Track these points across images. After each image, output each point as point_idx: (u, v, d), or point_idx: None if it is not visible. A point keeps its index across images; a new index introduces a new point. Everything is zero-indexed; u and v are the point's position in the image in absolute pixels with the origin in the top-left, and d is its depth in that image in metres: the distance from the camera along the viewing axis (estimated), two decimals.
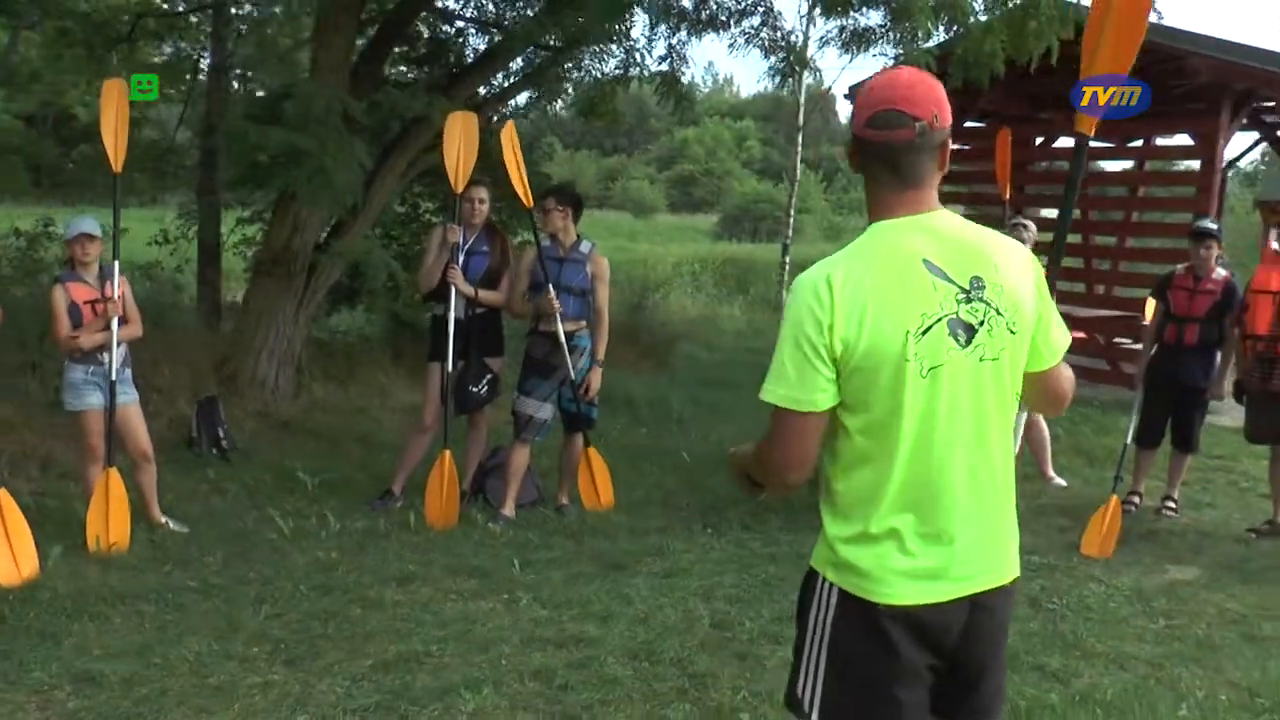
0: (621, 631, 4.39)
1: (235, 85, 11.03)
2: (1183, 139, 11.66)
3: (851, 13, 7.83)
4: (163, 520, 5.57)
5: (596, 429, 6.44)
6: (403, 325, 9.93)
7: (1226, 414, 8.32)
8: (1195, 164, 11.45)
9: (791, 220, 18.06)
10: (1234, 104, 9.83)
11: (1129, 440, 6.61)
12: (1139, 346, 7.75)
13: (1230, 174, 13.30)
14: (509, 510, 5.99)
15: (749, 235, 36.85)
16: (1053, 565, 5.45)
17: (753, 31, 8.55)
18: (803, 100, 18.08)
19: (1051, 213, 13.04)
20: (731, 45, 8.82)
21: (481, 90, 9.26)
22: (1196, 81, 9.31)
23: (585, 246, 6.06)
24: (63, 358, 5.41)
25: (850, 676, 2.05)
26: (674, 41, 8.88)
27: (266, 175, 7.24)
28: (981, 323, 2.00)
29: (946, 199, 2.49)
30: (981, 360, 2.01)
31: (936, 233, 2.02)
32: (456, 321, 6.02)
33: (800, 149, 18.74)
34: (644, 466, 7.27)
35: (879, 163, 2.03)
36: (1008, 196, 7.57)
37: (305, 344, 8.47)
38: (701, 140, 55.12)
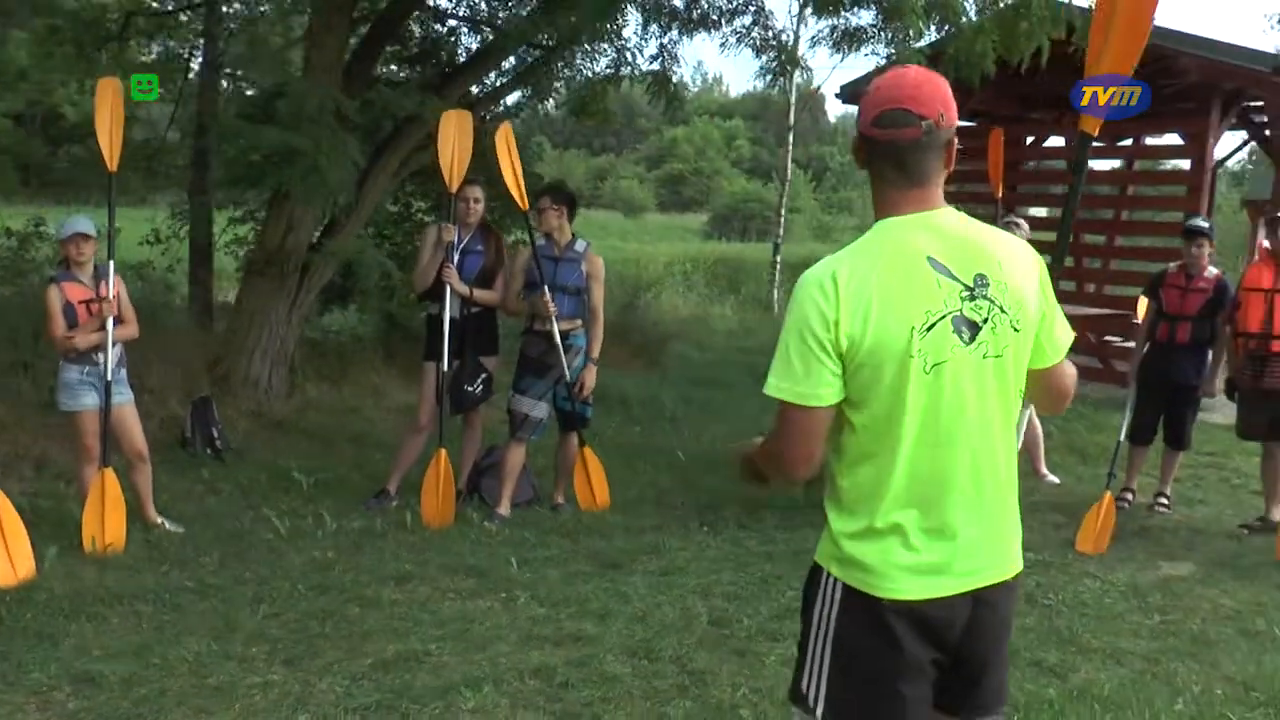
0: (620, 629, 4.39)
1: (225, 84, 10.97)
2: (1172, 138, 11.72)
3: (843, 12, 7.85)
4: (158, 520, 5.56)
5: (591, 428, 6.44)
6: (395, 325, 9.92)
7: (1218, 411, 8.38)
8: (1183, 163, 11.53)
9: (783, 220, 18.09)
10: (1223, 103, 9.88)
11: (1122, 437, 6.64)
12: (1130, 344, 7.80)
13: (1219, 173, 13.34)
14: (504, 509, 6.00)
15: (739, 234, 36.93)
16: (1048, 562, 5.48)
17: (744, 31, 8.59)
18: (793, 100, 18.12)
19: (1040, 211, 13.15)
20: (723, 45, 8.82)
21: (474, 89, 9.26)
22: (1186, 81, 9.36)
23: (580, 245, 6.07)
24: (57, 358, 5.39)
25: (855, 671, 2.07)
26: (665, 41, 8.92)
27: (260, 174, 7.22)
28: (985, 320, 2.01)
29: None
30: (985, 357, 2.02)
31: (941, 230, 2.03)
32: (452, 321, 6.02)
33: (791, 148, 18.78)
34: (638, 465, 7.28)
35: (885, 161, 2.04)
36: (1000, 195, 7.60)
37: (298, 344, 8.46)
38: (691, 139, 55.16)
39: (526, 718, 3.62)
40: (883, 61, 7.91)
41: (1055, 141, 12.56)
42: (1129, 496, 6.72)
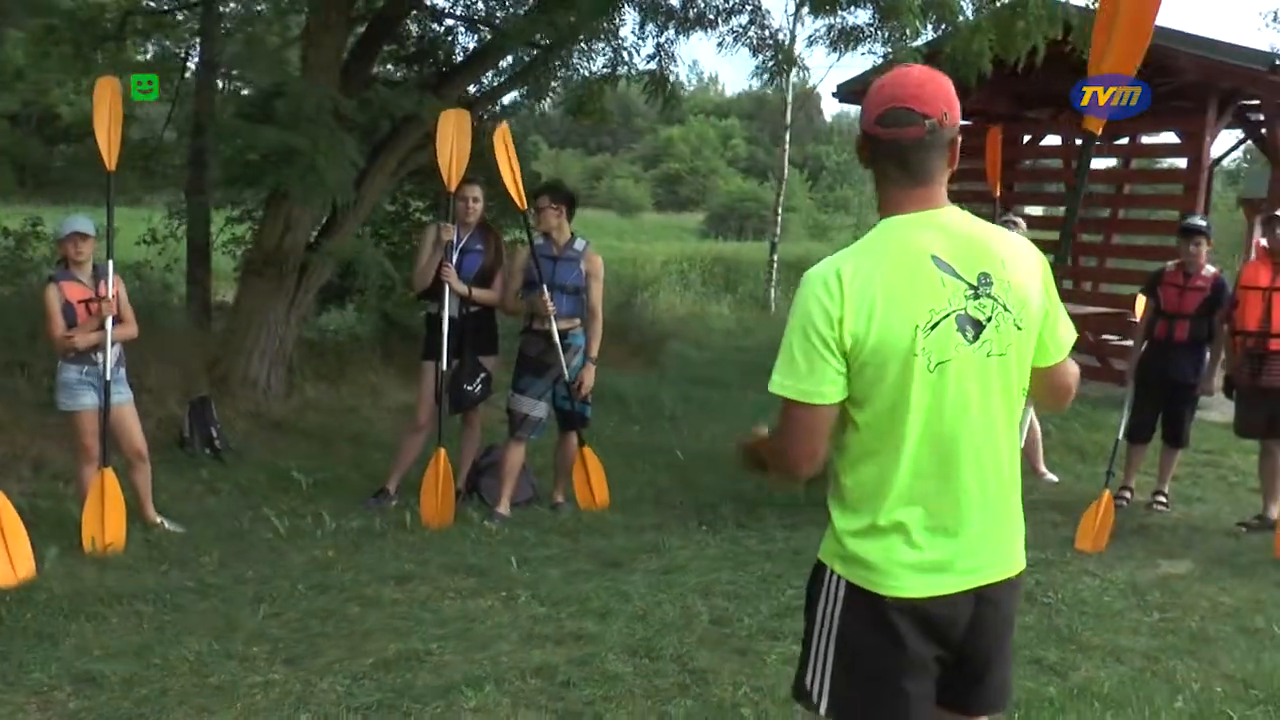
0: (621, 628, 4.39)
1: (220, 84, 10.96)
2: (1168, 137, 11.74)
3: (839, 11, 7.86)
4: (158, 520, 5.56)
5: (590, 427, 6.44)
6: (393, 324, 9.92)
7: (1215, 409, 8.39)
8: (1179, 161, 11.54)
9: (779, 219, 18.09)
10: (1220, 102, 9.89)
11: (1120, 436, 6.65)
12: (1127, 343, 7.81)
13: (1214, 172, 13.36)
14: (504, 508, 6.00)
15: (735, 233, 36.91)
16: (1048, 560, 5.48)
17: (741, 30, 8.60)
18: (790, 99, 18.12)
19: (1036, 210, 13.16)
20: (720, 44, 8.84)
21: (471, 89, 9.26)
22: (1183, 80, 9.37)
23: (579, 244, 6.07)
24: (55, 358, 5.39)
25: (858, 669, 2.07)
26: (662, 40, 8.93)
27: (258, 174, 7.22)
28: (989, 319, 2.02)
29: None
30: (989, 356, 2.03)
31: (945, 229, 2.04)
32: (451, 320, 6.02)
33: (788, 147, 18.79)
34: (637, 464, 7.29)
35: (889, 160, 2.05)
36: (998, 194, 7.61)
37: (296, 344, 8.45)
38: (686, 139, 55.12)
39: (529, 716, 3.62)
40: (879, 60, 7.93)
41: (1051, 140, 12.57)
42: (1127, 495, 6.73)
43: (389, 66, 9.97)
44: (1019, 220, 7.06)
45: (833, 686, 2.09)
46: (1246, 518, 6.38)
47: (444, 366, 6.01)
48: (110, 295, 5.28)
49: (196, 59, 11.01)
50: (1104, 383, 9.97)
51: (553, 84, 9.90)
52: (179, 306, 10.23)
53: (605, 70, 9.43)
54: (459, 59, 9.58)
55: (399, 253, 9.93)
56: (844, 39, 8.00)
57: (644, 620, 4.50)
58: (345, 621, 4.40)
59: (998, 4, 7.33)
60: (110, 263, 5.42)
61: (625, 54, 9.22)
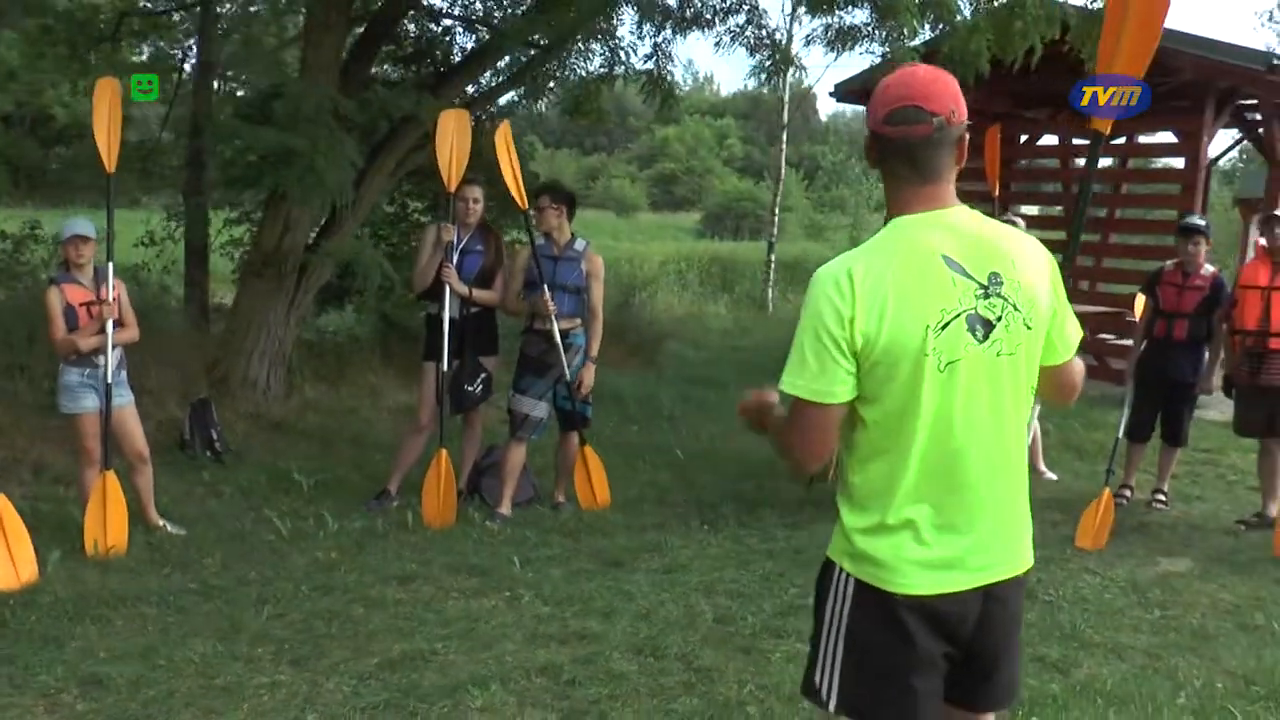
0: (625, 627, 4.40)
1: (216, 85, 10.95)
2: (1166, 136, 11.76)
3: (837, 10, 7.87)
4: (160, 523, 5.55)
5: (590, 427, 6.45)
6: (392, 325, 9.91)
7: (1214, 408, 8.42)
8: (1177, 161, 11.56)
9: (776, 219, 18.09)
10: (1218, 102, 9.91)
11: (1120, 434, 6.67)
12: (1124, 342, 7.83)
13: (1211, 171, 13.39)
14: (505, 508, 6.00)
15: (731, 233, 36.90)
16: (1048, 558, 5.49)
17: (738, 30, 8.60)
18: (786, 99, 18.13)
19: (1033, 210, 13.18)
20: (717, 43, 8.84)
21: (469, 89, 9.26)
22: (1180, 79, 9.38)
23: (580, 244, 6.08)
24: (56, 360, 5.38)
25: (867, 666, 2.08)
26: (659, 40, 8.93)
27: (257, 175, 7.21)
28: (999, 318, 2.03)
29: None
30: (999, 355, 2.04)
31: (955, 229, 2.05)
32: (451, 321, 6.01)
33: (784, 147, 18.79)
34: (637, 464, 7.30)
35: (897, 158, 2.06)
36: (997, 193, 7.62)
37: (296, 345, 8.45)
38: (682, 138, 55.07)
39: (534, 715, 3.63)
40: (877, 60, 7.94)
41: (1048, 139, 12.59)
42: (1127, 493, 6.75)
43: (387, 67, 9.98)
44: (1019, 220, 7.07)
45: (842, 683, 2.10)
46: (1245, 516, 6.40)
47: (445, 367, 6.01)
48: (111, 298, 5.27)
49: (193, 60, 11.01)
50: (1102, 382, 10.00)
51: (550, 84, 9.91)
52: (177, 309, 10.22)
53: (602, 70, 9.43)
54: (457, 59, 9.58)
55: (398, 253, 9.93)
56: (841, 39, 8.01)
57: (647, 619, 4.51)
58: (349, 622, 4.40)
59: (995, 4, 7.34)
60: (110, 265, 5.41)
61: (622, 54, 9.23)
